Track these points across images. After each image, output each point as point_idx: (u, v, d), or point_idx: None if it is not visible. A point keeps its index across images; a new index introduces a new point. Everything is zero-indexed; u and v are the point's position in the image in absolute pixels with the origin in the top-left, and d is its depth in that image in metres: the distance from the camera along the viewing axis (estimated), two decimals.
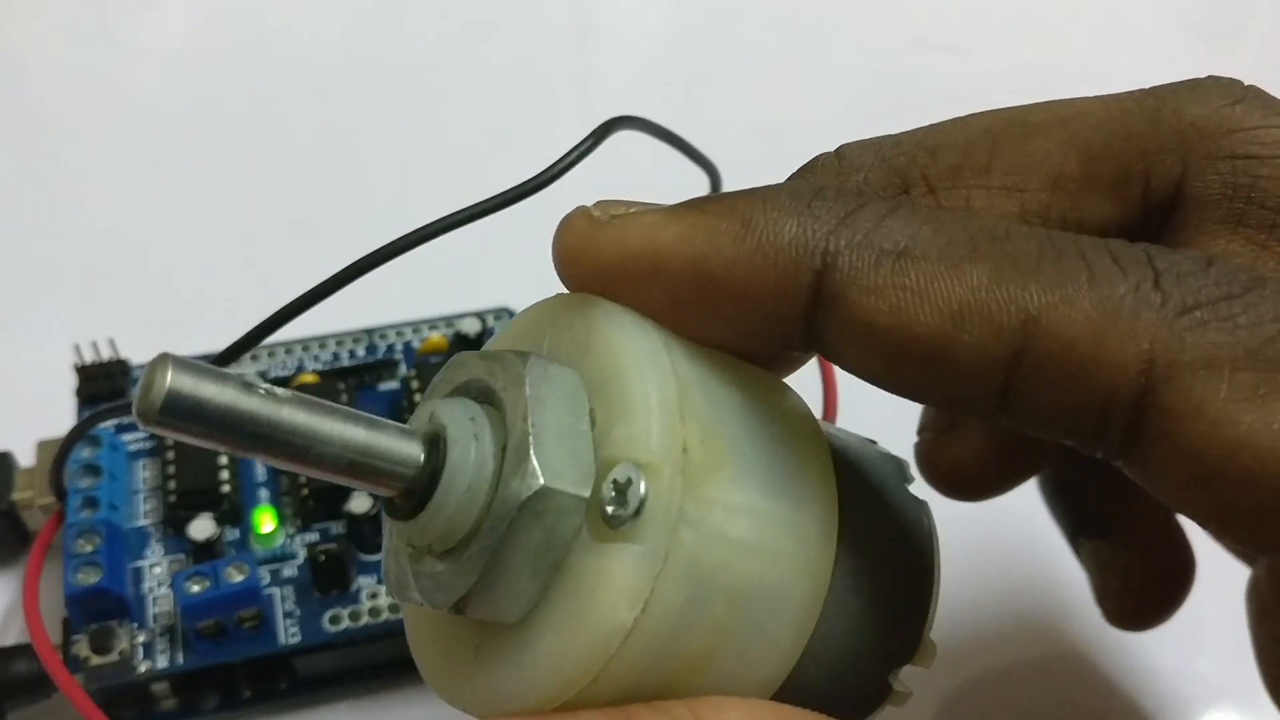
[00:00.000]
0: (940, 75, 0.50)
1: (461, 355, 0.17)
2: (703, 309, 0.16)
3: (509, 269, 0.39)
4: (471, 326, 0.34)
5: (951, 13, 0.55)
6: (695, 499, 0.15)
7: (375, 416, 0.16)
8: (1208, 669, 0.31)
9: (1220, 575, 0.25)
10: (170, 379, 0.14)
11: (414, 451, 0.16)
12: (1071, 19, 0.55)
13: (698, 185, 0.29)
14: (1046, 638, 0.32)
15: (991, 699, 0.30)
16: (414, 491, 0.16)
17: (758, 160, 0.27)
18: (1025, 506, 0.26)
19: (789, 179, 0.19)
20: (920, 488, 0.20)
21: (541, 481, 0.15)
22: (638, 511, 0.15)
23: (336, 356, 0.34)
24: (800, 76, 0.52)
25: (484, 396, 0.17)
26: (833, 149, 0.19)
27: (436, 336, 0.34)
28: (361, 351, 0.34)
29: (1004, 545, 0.33)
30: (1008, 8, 0.55)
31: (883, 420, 0.22)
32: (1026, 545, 0.33)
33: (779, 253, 0.16)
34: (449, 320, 0.35)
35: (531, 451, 0.15)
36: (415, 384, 0.33)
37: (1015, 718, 0.30)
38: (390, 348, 0.34)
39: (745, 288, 0.16)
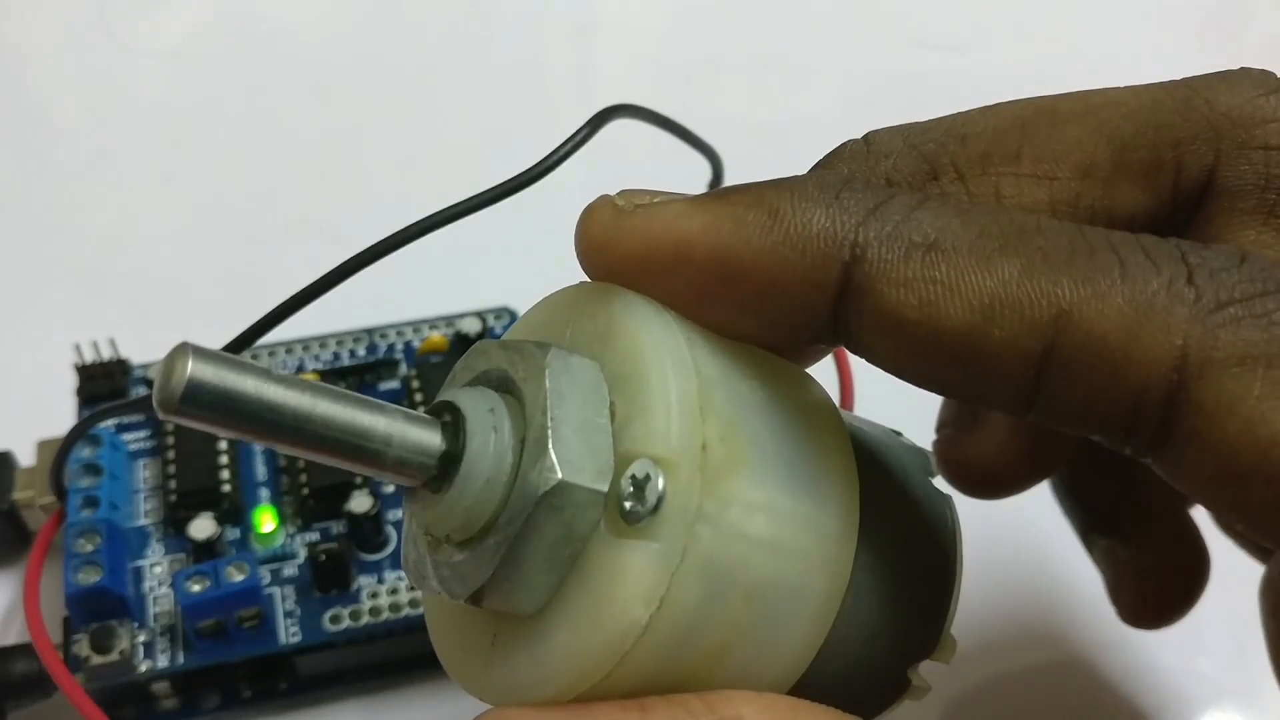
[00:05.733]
0: (940, 75, 0.50)
1: (483, 343, 0.17)
2: (728, 301, 0.16)
3: (509, 267, 0.39)
4: (472, 326, 0.34)
5: (951, 13, 0.55)
6: (714, 496, 0.15)
7: (396, 406, 0.16)
8: (1208, 668, 0.31)
9: (1221, 575, 0.25)
10: (191, 368, 0.14)
11: (433, 441, 0.16)
12: (1071, 19, 0.55)
13: (698, 175, 0.29)
14: (1046, 637, 0.32)
15: (993, 698, 0.30)
16: (433, 482, 0.16)
17: (757, 160, 0.27)
18: (1024, 506, 0.26)
19: (815, 167, 0.19)
20: (938, 485, 0.20)
21: (559, 476, 0.15)
22: (655, 508, 0.15)
23: (337, 356, 0.34)
24: (800, 76, 0.52)
25: (504, 386, 0.17)
26: (831, 148, 0.19)
27: (436, 336, 0.34)
28: (362, 351, 0.34)
29: (1004, 545, 0.33)
30: (1008, 8, 0.55)
31: (898, 412, 0.22)
32: (1026, 545, 0.33)
33: (807, 244, 0.16)
34: (449, 320, 0.35)
35: (550, 445, 0.15)
36: (415, 384, 0.33)
37: (1015, 716, 0.30)
38: (390, 347, 0.34)
39: (772, 279, 0.16)
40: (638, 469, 0.15)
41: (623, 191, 0.17)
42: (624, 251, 0.17)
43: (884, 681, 0.18)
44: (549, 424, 0.15)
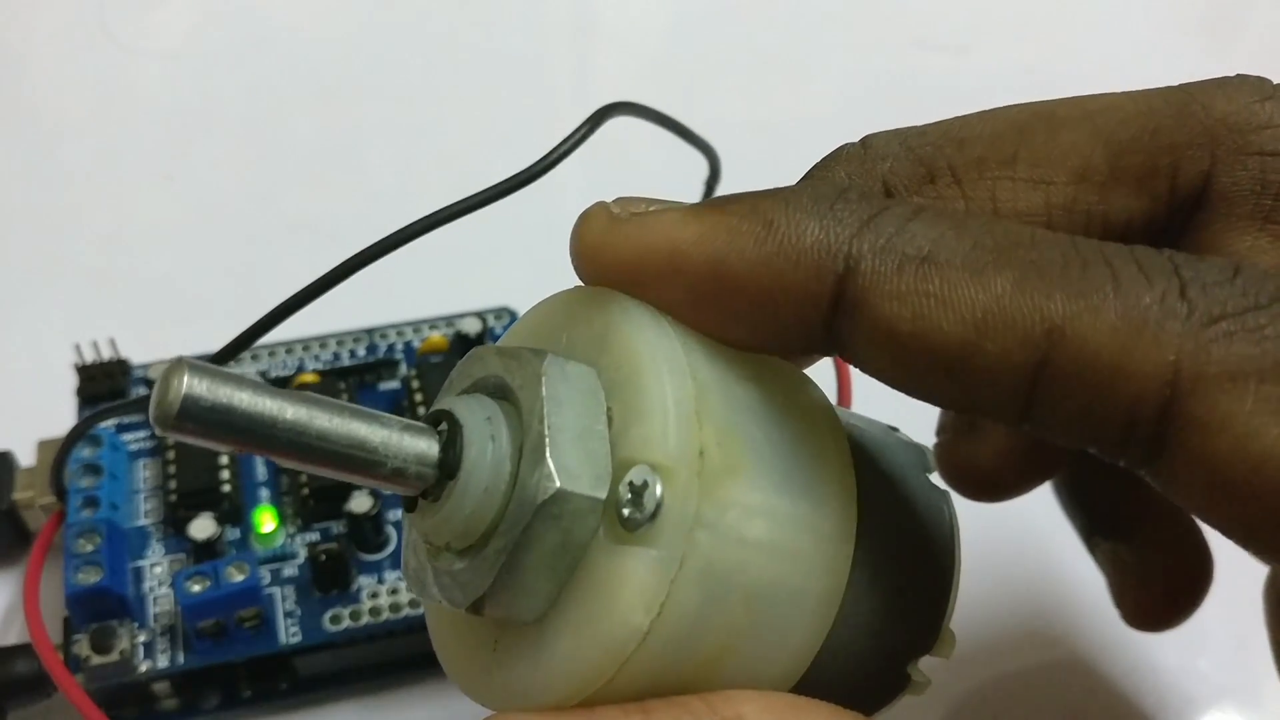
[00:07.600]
0: (940, 75, 0.50)
1: (480, 350, 0.17)
2: (722, 310, 0.16)
3: (509, 267, 0.39)
4: (472, 326, 0.34)
5: (951, 13, 0.55)
6: (711, 501, 0.15)
7: (392, 415, 0.16)
8: (1209, 668, 0.31)
9: (1222, 575, 0.25)
10: (186, 384, 0.14)
11: (431, 451, 0.16)
12: (1072, 19, 0.55)
13: (696, 173, 0.29)
14: (1046, 637, 0.32)
15: (993, 697, 0.30)
16: (431, 491, 0.16)
17: (757, 160, 0.27)
18: (1025, 506, 0.26)
19: (811, 170, 0.19)
20: (935, 481, 0.20)
21: (558, 484, 0.15)
22: (654, 515, 0.15)
23: (337, 356, 0.34)
24: (800, 76, 0.52)
25: (501, 393, 0.17)
26: (830, 148, 0.19)
27: (436, 336, 0.34)
28: (362, 351, 0.34)
29: (1004, 545, 0.33)
30: (1008, 8, 0.55)
31: (897, 411, 0.22)
32: (1026, 545, 0.33)
33: (801, 255, 0.16)
34: (449, 320, 0.35)
35: (548, 453, 0.15)
36: (415, 384, 0.33)
37: (1015, 716, 0.30)
38: (390, 347, 0.34)
39: (765, 290, 0.16)
40: (635, 476, 0.15)
41: (618, 199, 0.17)
42: (618, 259, 0.17)
43: (884, 677, 0.18)
44: (546, 431, 0.15)
